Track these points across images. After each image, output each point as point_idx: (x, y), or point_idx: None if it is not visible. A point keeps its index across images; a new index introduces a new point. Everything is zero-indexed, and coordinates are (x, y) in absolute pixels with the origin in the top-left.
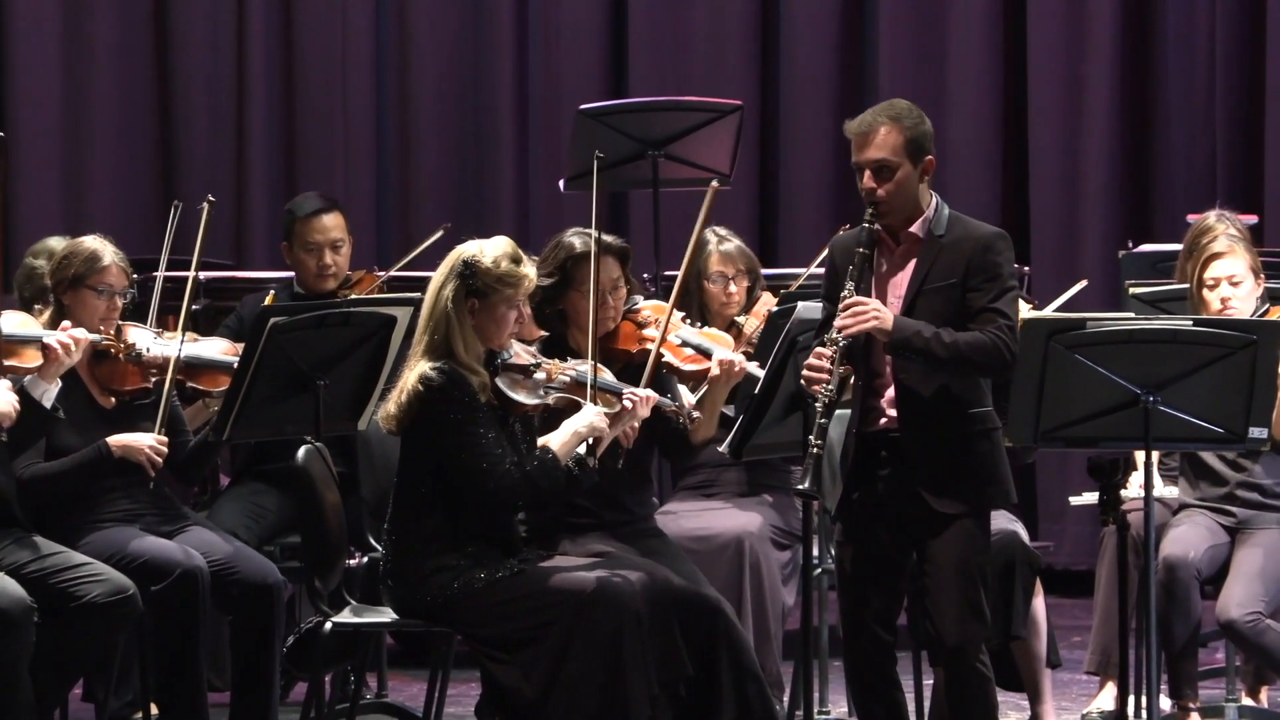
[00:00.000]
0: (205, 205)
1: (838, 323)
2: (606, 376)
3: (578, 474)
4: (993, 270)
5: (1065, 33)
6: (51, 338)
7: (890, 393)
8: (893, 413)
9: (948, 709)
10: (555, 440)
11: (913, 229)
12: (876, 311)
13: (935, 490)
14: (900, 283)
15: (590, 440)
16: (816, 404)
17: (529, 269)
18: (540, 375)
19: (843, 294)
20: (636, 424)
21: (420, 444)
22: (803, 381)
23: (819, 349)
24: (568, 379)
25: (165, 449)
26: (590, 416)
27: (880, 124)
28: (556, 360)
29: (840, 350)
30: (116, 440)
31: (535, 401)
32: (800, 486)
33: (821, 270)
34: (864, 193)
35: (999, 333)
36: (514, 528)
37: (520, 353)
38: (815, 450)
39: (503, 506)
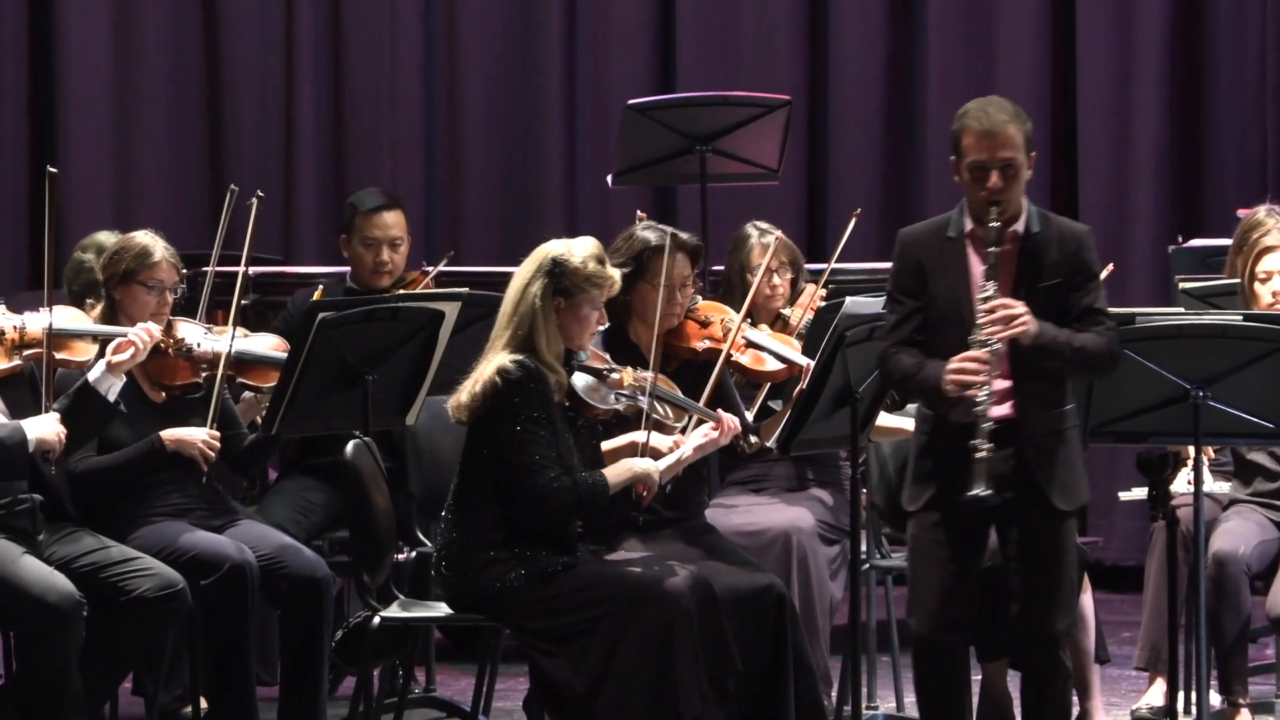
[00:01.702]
0: (254, 201)
1: (988, 327)
2: (674, 391)
3: (621, 504)
4: (1090, 269)
5: (1115, 25)
6: (132, 333)
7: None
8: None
9: (1035, 698)
10: (611, 471)
11: (1015, 227)
12: (1026, 317)
13: (1053, 487)
14: (1003, 282)
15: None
16: (977, 408)
17: (614, 270)
18: (614, 377)
19: (983, 295)
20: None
21: (486, 435)
22: (950, 386)
23: (969, 352)
24: (639, 387)
25: (218, 444)
26: (648, 465)
27: (1009, 122)
28: (629, 368)
29: (995, 354)
30: (169, 434)
31: (606, 406)
32: (974, 493)
33: (875, 265)
34: (990, 191)
35: (1110, 333)
36: (570, 524)
37: (595, 356)
38: (984, 453)
39: (542, 509)
